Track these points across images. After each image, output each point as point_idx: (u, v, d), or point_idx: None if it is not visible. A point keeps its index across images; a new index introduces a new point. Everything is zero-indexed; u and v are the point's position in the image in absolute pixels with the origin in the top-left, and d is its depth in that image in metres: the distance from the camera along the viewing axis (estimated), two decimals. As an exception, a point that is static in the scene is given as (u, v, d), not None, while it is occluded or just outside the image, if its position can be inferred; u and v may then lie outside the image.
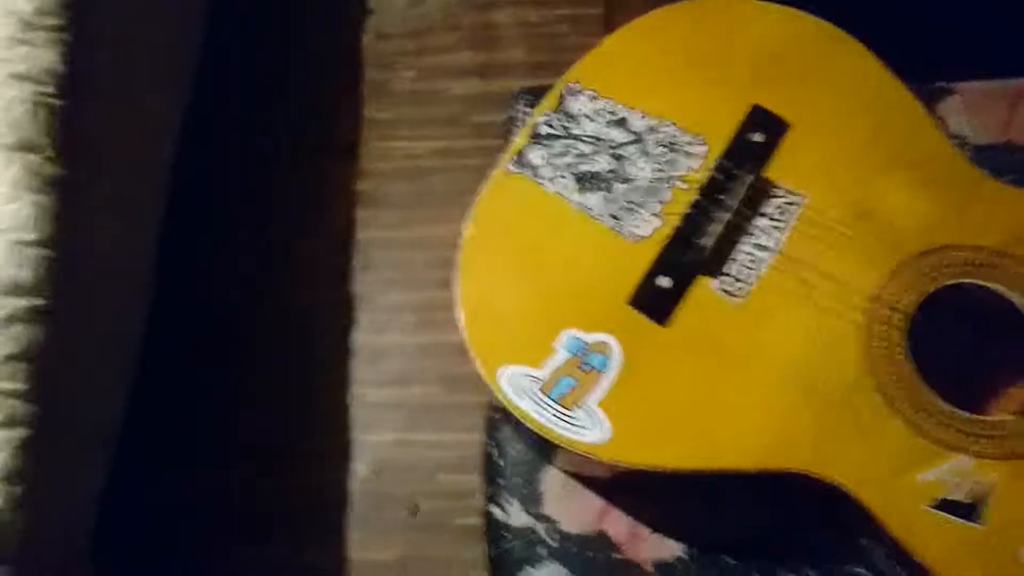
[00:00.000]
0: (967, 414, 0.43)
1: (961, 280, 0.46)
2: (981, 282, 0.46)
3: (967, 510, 0.42)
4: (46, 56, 0.69)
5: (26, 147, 0.66)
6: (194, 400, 0.91)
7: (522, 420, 0.46)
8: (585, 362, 0.46)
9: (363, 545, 0.85)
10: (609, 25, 1.01)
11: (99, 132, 0.74)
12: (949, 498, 0.42)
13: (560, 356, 0.47)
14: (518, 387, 0.46)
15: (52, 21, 0.70)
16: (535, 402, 0.46)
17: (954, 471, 0.42)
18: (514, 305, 0.48)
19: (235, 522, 0.87)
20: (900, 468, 0.43)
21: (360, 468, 0.89)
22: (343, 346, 0.93)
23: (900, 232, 0.47)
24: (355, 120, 1.04)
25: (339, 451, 0.89)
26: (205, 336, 0.93)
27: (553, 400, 0.46)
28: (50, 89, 0.68)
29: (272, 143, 1.03)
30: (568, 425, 0.45)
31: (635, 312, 0.47)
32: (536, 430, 0.46)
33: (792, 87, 0.51)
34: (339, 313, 0.94)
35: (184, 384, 0.91)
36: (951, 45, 0.65)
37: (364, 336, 0.93)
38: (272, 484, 0.87)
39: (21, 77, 0.67)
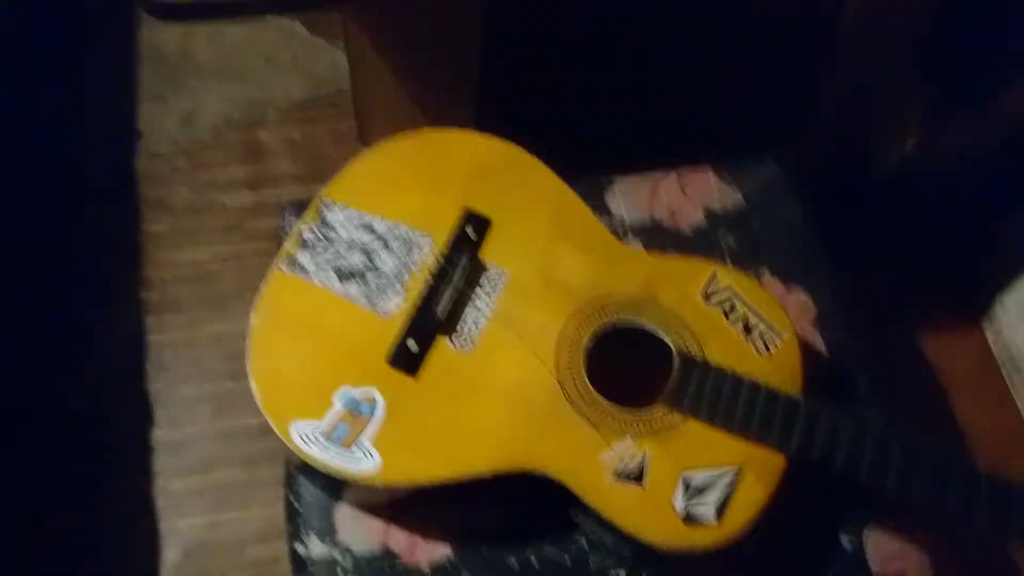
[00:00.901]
0: (626, 408, 0.62)
1: (615, 317, 0.66)
2: (630, 319, 0.66)
3: (635, 476, 0.60)
4: None
5: None
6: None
7: (312, 464, 0.59)
8: (356, 410, 0.60)
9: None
10: (362, 137, 1.18)
11: None
12: (621, 470, 0.60)
13: (337, 408, 0.60)
14: (305, 436, 0.59)
15: None
16: (320, 447, 0.59)
17: (622, 450, 0.61)
18: (297, 374, 0.62)
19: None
20: (588, 455, 0.60)
21: (171, 554, 0.95)
22: (144, 442, 0.99)
23: (572, 287, 0.66)
24: (135, 234, 1.13)
25: (148, 541, 0.95)
26: (14, 439, 0.96)
27: (333, 443, 0.59)
28: None
29: (59, 260, 1.09)
30: (347, 460, 0.59)
31: (393, 369, 0.62)
32: (323, 470, 0.59)
33: (493, 193, 0.70)
34: (136, 412, 1.01)
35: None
36: (612, 148, 0.87)
37: (163, 431, 1.01)
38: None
39: None
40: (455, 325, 0.64)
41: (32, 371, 1.01)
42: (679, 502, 0.59)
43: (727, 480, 0.60)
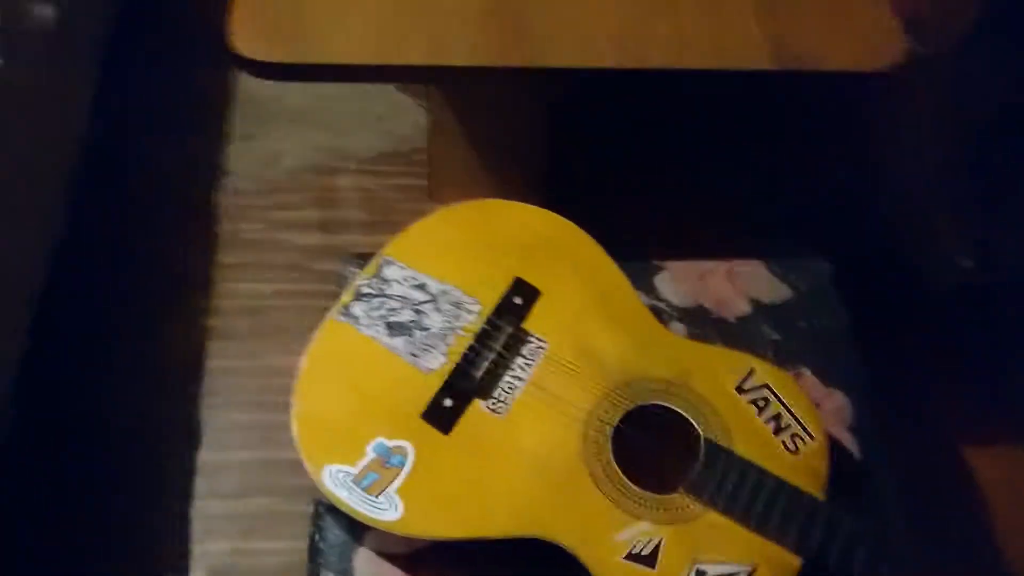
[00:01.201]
0: (648, 493, 0.63)
1: (649, 401, 0.67)
2: (662, 403, 0.67)
3: (648, 560, 0.61)
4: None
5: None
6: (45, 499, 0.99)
7: (338, 506, 0.62)
8: (387, 461, 0.63)
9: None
10: (432, 195, 1.23)
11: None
12: (635, 551, 0.61)
13: (369, 456, 0.63)
14: (336, 480, 0.62)
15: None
16: (348, 491, 0.62)
17: (639, 532, 0.62)
18: (335, 420, 0.65)
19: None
20: (603, 532, 0.62)
21: (196, 575, 0.98)
22: (187, 463, 1.04)
23: (608, 365, 0.68)
24: (207, 263, 1.19)
25: (177, 559, 0.98)
26: (64, 444, 1.02)
27: (362, 489, 0.62)
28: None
29: (132, 280, 1.16)
30: (372, 507, 0.61)
31: (426, 424, 0.65)
32: (349, 513, 0.62)
33: (544, 266, 0.73)
34: (184, 432, 1.05)
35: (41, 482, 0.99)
36: (665, 235, 0.90)
37: (207, 453, 1.05)
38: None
39: None
40: (492, 389, 0.67)
41: (92, 383, 1.07)
42: (689, 592, 0.60)
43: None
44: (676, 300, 0.82)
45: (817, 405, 0.77)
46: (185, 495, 1.02)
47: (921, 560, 0.64)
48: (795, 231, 0.87)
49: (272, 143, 1.31)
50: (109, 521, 0.99)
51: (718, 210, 0.87)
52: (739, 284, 0.84)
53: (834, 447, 0.75)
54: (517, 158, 1.05)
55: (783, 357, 0.79)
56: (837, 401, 0.78)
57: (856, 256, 0.90)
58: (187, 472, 1.03)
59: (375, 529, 0.63)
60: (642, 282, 0.83)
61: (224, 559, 0.99)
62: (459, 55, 0.73)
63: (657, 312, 0.81)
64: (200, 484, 1.03)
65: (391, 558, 0.67)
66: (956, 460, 1.00)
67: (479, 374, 0.67)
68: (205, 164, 1.28)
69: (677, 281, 0.83)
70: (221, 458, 1.05)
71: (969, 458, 1.00)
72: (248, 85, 1.35)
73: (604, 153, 0.98)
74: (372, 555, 0.68)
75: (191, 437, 1.05)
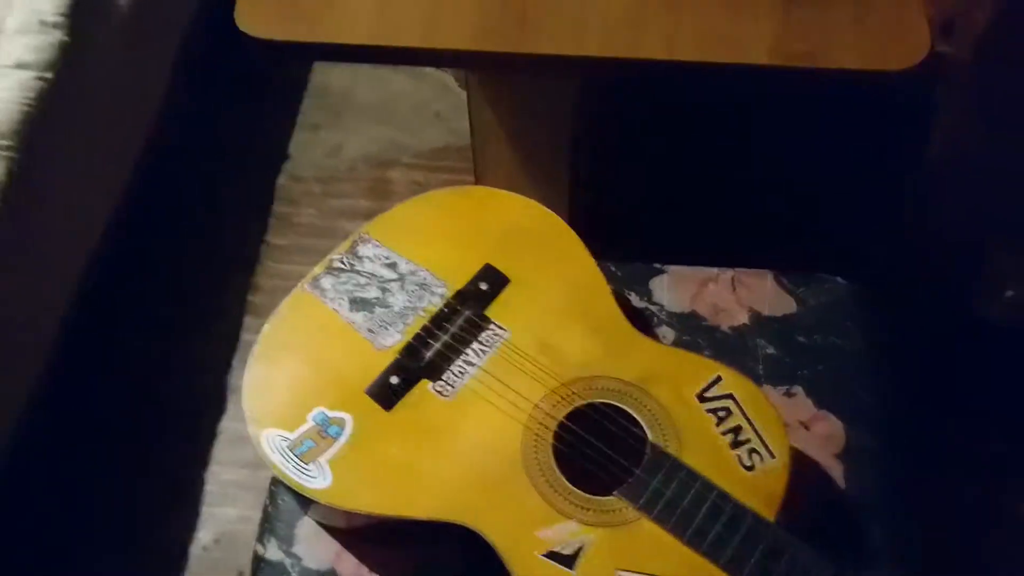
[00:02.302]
0: (581, 492, 0.61)
1: (599, 400, 0.64)
2: (614, 402, 0.64)
3: (567, 561, 0.58)
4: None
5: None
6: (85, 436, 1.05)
7: (273, 470, 0.63)
8: (325, 431, 0.64)
9: (192, 603, 0.98)
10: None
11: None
12: (556, 550, 0.59)
13: (308, 425, 0.64)
14: (273, 444, 0.63)
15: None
16: (283, 456, 0.63)
17: (564, 532, 0.59)
18: (284, 386, 0.66)
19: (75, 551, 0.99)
20: (527, 527, 0.59)
21: (204, 536, 1.02)
22: (210, 429, 1.08)
23: (566, 362, 0.66)
24: (258, 243, 1.24)
25: (188, 519, 1.03)
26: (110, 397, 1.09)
27: (296, 456, 0.63)
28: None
29: (185, 249, 1.23)
30: (302, 474, 0.62)
31: (370, 399, 0.65)
32: (281, 477, 0.62)
33: (518, 255, 0.72)
34: (213, 401, 1.10)
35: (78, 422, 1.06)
36: (667, 238, 0.86)
37: (230, 423, 1.09)
38: (122, 533, 1.00)
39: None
40: (441, 372, 0.66)
41: (133, 340, 1.14)
42: (606, 599, 0.57)
43: (663, 590, 0.57)
44: (669, 305, 0.78)
45: (806, 427, 0.72)
46: (204, 459, 1.06)
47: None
48: (816, 247, 0.82)
49: (336, 134, 1.36)
50: (131, 469, 1.05)
51: (735, 218, 0.83)
52: (741, 293, 0.79)
53: (815, 474, 0.70)
54: (553, 154, 1.04)
55: (775, 373, 0.74)
56: (829, 425, 0.72)
57: (883, 278, 0.84)
58: (209, 437, 1.08)
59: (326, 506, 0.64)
60: (639, 284, 0.80)
61: (232, 525, 1.03)
62: (455, 39, 0.73)
63: (647, 316, 0.78)
64: (219, 451, 1.07)
65: (331, 530, 0.68)
66: (970, 512, 0.90)
67: (430, 355, 0.67)
68: (270, 148, 1.34)
69: (675, 285, 0.80)
70: (244, 429, 1.09)
71: (984, 512, 0.90)
72: (322, 78, 1.41)
73: (628, 154, 0.96)
74: (314, 526, 0.68)
75: (218, 404, 1.10)
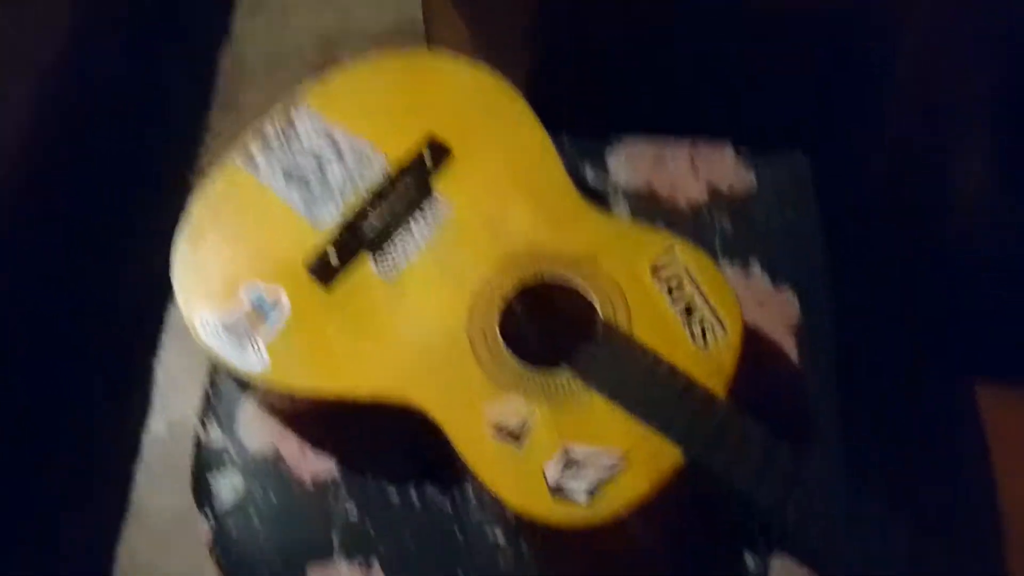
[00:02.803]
0: (528, 367, 0.59)
1: (546, 271, 0.62)
2: (562, 278, 0.62)
3: (514, 436, 0.57)
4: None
5: None
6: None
7: (207, 353, 0.60)
8: (260, 310, 0.61)
9: (147, 491, 0.97)
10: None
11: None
12: (503, 425, 0.57)
13: (242, 304, 0.61)
14: (207, 326, 0.60)
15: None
16: (215, 337, 0.60)
17: (510, 407, 0.58)
18: (216, 266, 0.63)
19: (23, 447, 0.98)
20: (472, 403, 0.58)
21: (156, 425, 1.01)
22: (158, 319, 1.05)
23: (513, 235, 0.63)
24: (202, 128, 1.18)
25: (140, 407, 1.01)
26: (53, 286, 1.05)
27: (230, 337, 0.60)
28: None
29: (131, 136, 1.17)
30: (238, 356, 0.59)
31: (308, 277, 0.62)
32: (216, 360, 0.60)
33: (464, 125, 0.68)
34: (158, 289, 1.06)
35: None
36: (625, 108, 0.82)
37: (177, 310, 1.05)
38: (71, 422, 0.98)
39: None
40: (383, 248, 0.63)
41: (79, 223, 1.09)
42: (552, 473, 0.56)
43: (610, 463, 0.56)
44: (625, 180, 0.75)
45: (761, 304, 0.71)
46: (153, 348, 1.04)
47: (849, 495, 0.57)
48: (781, 118, 0.78)
49: (280, 15, 1.28)
50: (78, 357, 1.02)
51: (694, 86, 0.79)
52: (700, 168, 0.76)
53: (769, 350, 0.69)
54: (509, 28, 0.98)
55: (731, 249, 0.72)
56: (784, 301, 0.70)
57: (851, 157, 0.81)
58: (156, 325, 1.05)
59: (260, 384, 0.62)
60: (594, 157, 0.76)
61: (184, 414, 1.00)
62: None
63: (602, 193, 0.75)
64: (168, 339, 1.04)
65: (273, 412, 0.66)
66: (913, 392, 0.90)
67: (371, 230, 0.63)
68: (212, 29, 1.26)
69: (631, 160, 0.76)
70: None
71: (927, 391, 0.90)
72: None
73: (589, 23, 0.90)
74: (256, 409, 0.66)
75: (164, 292, 1.06)
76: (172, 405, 1.01)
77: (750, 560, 0.61)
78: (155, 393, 1.02)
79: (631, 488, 0.55)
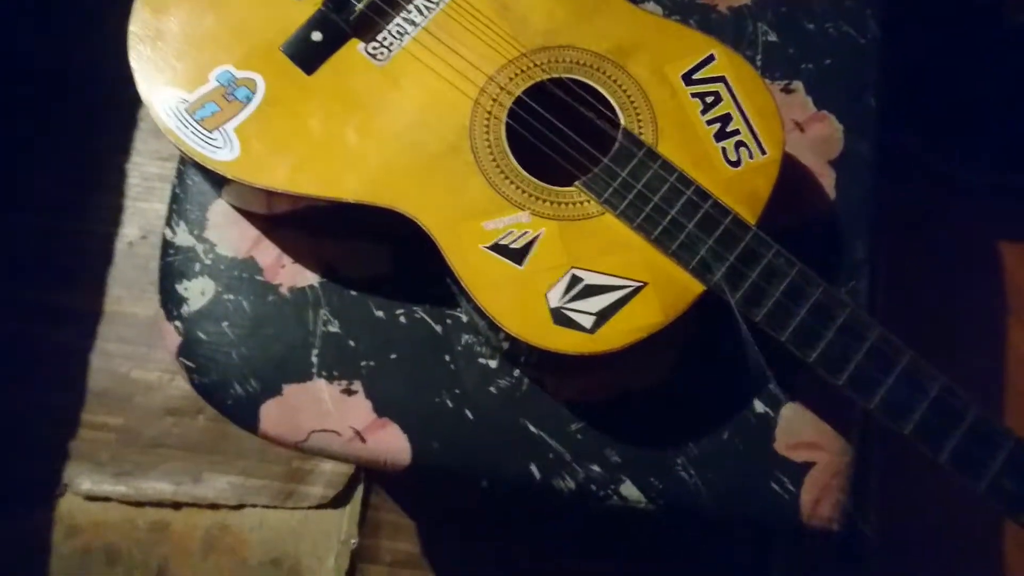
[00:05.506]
0: (537, 181, 0.52)
1: (565, 75, 0.54)
2: (582, 78, 0.54)
3: (515, 255, 0.51)
4: None
5: None
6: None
7: (167, 136, 0.52)
8: (231, 93, 0.52)
9: (119, 300, 0.92)
10: None
11: None
12: (503, 243, 0.51)
13: (211, 85, 0.53)
14: (168, 107, 0.52)
15: None
16: (180, 122, 0.52)
17: (513, 223, 0.51)
18: (181, 37, 0.54)
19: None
20: (471, 216, 0.51)
21: (129, 231, 0.94)
22: (130, 116, 0.96)
23: (530, 26, 0.54)
24: None
25: (113, 212, 0.94)
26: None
27: (196, 121, 0.52)
28: None
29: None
30: (203, 143, 0.52)
31: (286, 59, 0.53)
32: (177, 145, 0.52)
33: None
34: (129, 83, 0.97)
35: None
36: None
37: (148, 120, 0.97)
38: (42, 228, 0.92)
39: None
40: (374, 29, 0.54)
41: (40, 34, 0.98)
42: (555, 297, 0.50)
43: (622, 293, 0.50)
44: (660, -25, 0.65)
45: (800, 128, 0.63)
46: (125, 149, 0.95)
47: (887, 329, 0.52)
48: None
49: None
50: (48, 153, 0.94)
51: None
52: (747, -33, 0.66)
53: (805, 180, 0.62)
54: None
55: (774, 64, 0.63)
56: (826, 127, 0.62)
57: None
58: (129, 126, 0.96)
59: (235, 182, 0.54)
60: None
61: (158, 220, 0.94)
62: None
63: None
64: (140, 142, 0.96)
65: (249, 216, 0.59)
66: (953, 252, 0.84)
67: (362, 8, 0.54)
68: None
69: (670, -48, 0.66)
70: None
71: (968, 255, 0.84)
72: None
73: None
74: (230, 211, 0.59)
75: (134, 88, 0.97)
76: (146, 211, 0.94)
77: (759, 404, 0.57)
78: (128, 198, 0.94)
79: (643, 319, 0.49)
